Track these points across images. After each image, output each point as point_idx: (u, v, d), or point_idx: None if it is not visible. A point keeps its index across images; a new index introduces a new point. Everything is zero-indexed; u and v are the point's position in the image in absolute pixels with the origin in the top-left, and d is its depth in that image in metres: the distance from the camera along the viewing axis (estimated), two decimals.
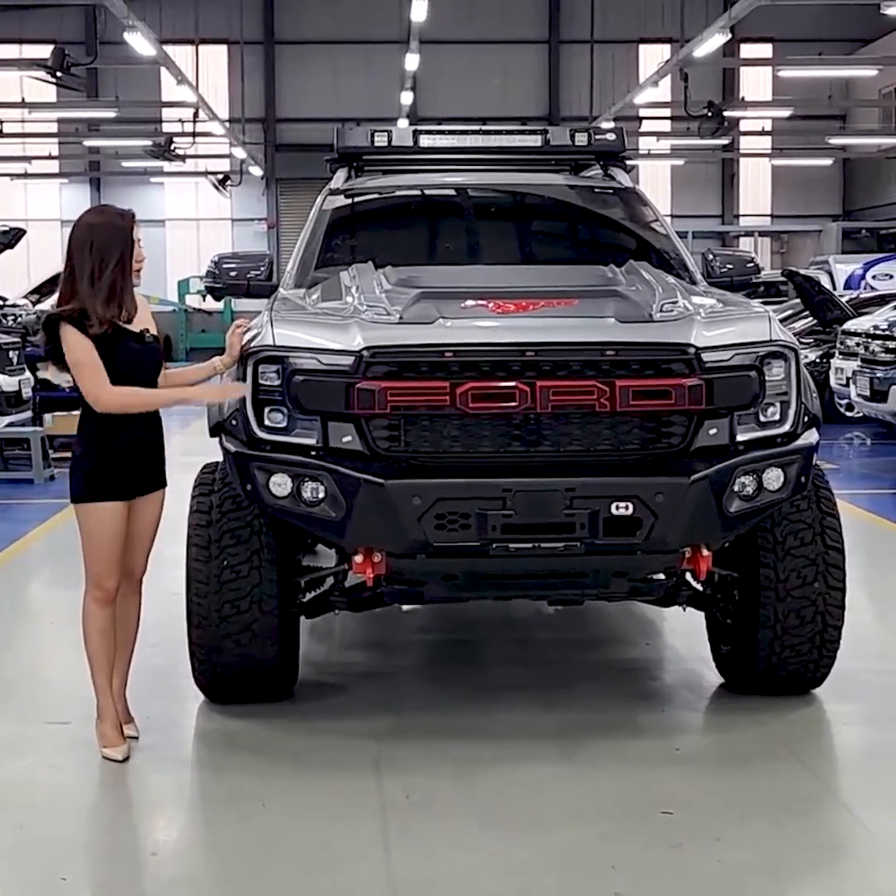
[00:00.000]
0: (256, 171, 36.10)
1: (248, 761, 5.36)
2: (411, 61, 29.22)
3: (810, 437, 5.50)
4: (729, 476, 5.23)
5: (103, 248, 5.13)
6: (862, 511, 10.80)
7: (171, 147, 29.75)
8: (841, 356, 15.50)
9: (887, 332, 13.88)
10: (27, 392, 14.06)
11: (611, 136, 7.72)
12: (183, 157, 30.59)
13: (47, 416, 14.74)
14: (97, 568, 5.27)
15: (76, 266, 5.14)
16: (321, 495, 5.18)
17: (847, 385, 14.81)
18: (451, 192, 7.77)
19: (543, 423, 5.18)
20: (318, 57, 38.05)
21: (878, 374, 13.65)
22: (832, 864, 4.55)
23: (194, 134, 29.62)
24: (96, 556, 5.26)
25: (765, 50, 36.93)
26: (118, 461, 5.23)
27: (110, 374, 5.14)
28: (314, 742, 5.55)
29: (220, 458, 5.66)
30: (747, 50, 36.71)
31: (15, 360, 13.93)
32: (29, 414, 14.14)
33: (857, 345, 14.58)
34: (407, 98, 33.93)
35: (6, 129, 30.50)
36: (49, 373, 15.23)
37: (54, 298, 16.65)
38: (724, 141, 32.54)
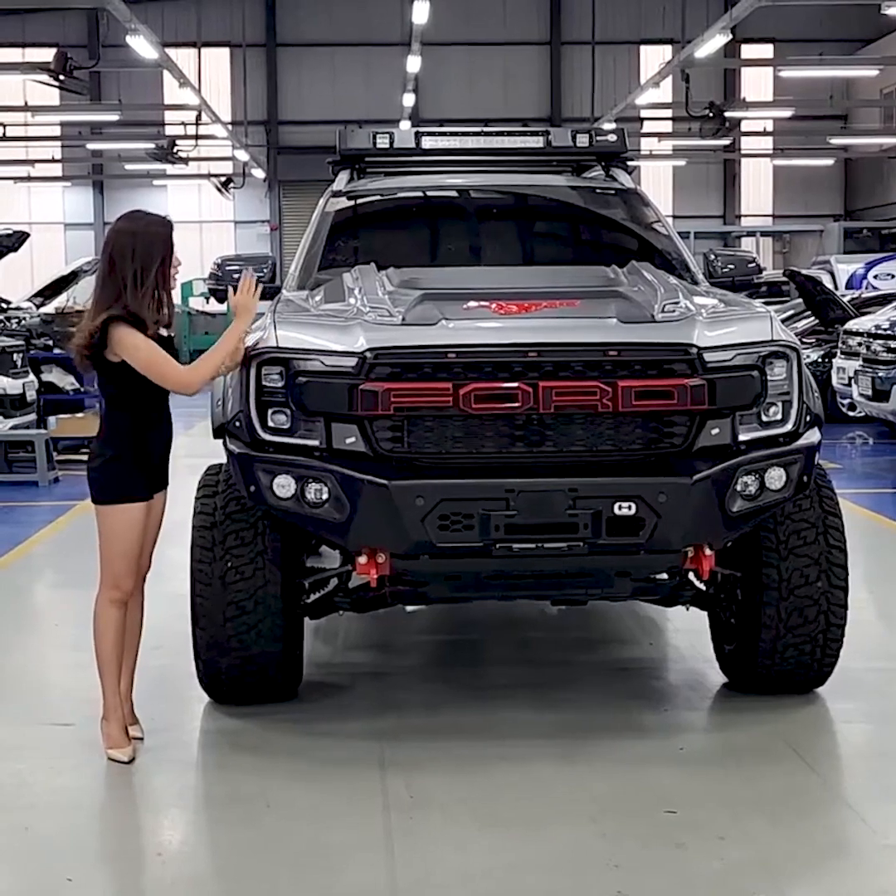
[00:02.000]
0: (259, 173, 36.14)
1: (251, 762, 5.38)
2: (413, 63, 29.26)
3: (812, 436, 5.51)
4: (731, 476, 5.24)
5: (146, 253, 5.20)
6: (864, 510, 10.80)
7: (174, 150, 29.78)
8: (843, 356, 15.49)
9: (889, 332, 13.89)
10: (31, 395, 14.08)
11: (612, 137, 7.73)
12: (185, 160, 30.63)
13: (51, 419, 14.76)
14: (118, 568, 5.30)
15: (119, 272, 5.19)
16: (325, 496, 5.20)
17: (849, 385, 14.82)
18: (454, 193, 7.79)
19: (546, 424, 5.20)
20: (320, 59, 38.10)
21: (880, 374, 13.65)
22: (835, 863, 4.56)
23: (197, 136, 29.66)
24: (120, 557, 5.29)
25: (766, 50, 36.97)
26: (148, 461, 5.31)
27: (143, 377, 5.21)
28: (318, 742, 5.56)
29: (224, 460, 5.68)
30: (748, 50, 36.74)
31: (19, 362, 13.95)
32: (33, 416, 14.16)
33: (859, 344, 14.59)
34: (409, 100, 33.98)
35: (9, 132, 30.59)
36: (53, 375, 15.26)
37: (58, 301, 16.56)
38: (726, 141, 32.58)
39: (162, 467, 5.44)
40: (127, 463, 5.27)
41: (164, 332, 5.34)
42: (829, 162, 37.22)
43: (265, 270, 6.92)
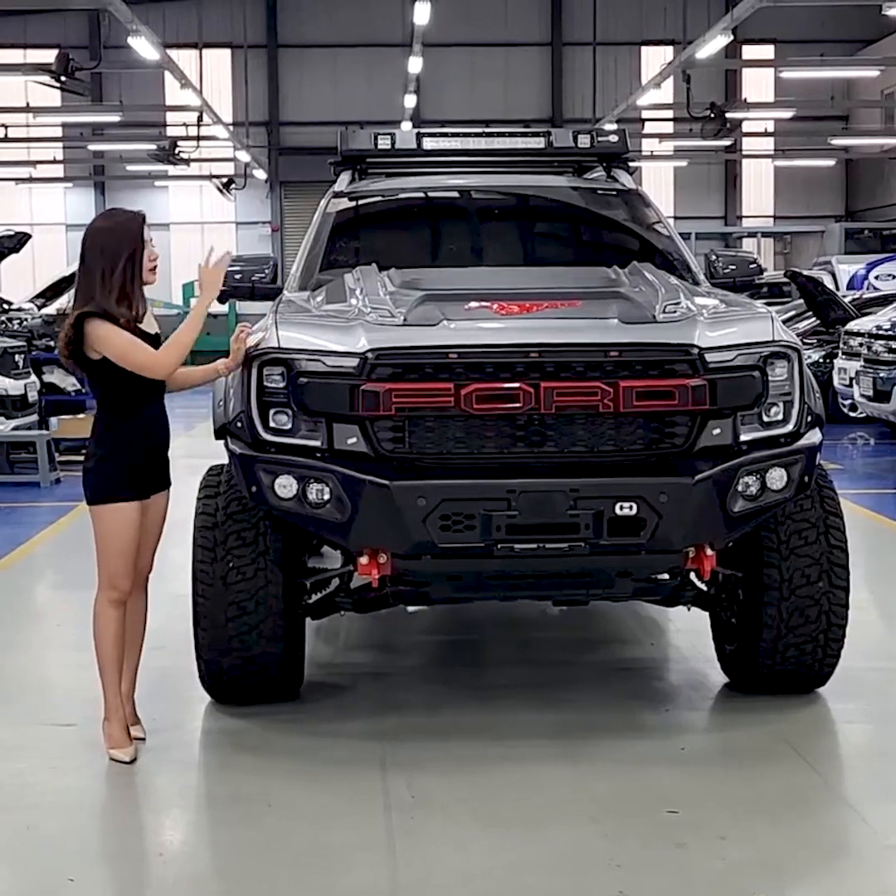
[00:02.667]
0: (260, 174, 36.13)
1: (253, 762, 5.39)
2: (414, 64, 29.25)
3: (813, 436, 5.52)
4: (732, 476, 5.25)
5: (114, 249, 5.23)
6: (866, 511, 10.81)
7: (176, 151, 29.78)
8: (844, 356, 15.51)
9: (890, 333, 13.89)
10: (33, 396, 14.10)
11: (613, 138, 7.73)
12: (187, 161, 30.63)
13: (53, 420, 14.78)
14: (114, 568, 5.31)
15: (91, 269, 5.25)
16: (326, 497, 5.20)
17: (850, 385, 14.83)
18: (455, 194, 7.79)
19: (547, 424, 5.20)
20: (322, 60, 38.08)
21: (882, 375, 13.66)
22: (836, 863, 4.56)
23: (198, 138, 29.65)
24: (115, 557, 5.30)
25: (767, 51, 36.92)
26: (140, 460, 5.30)
27: (127, 374, 5.22)
28: (319, 742, 5.57)
29: (226, 461, 5.68)
30: (749, 51, 36.68)
31: (21, 363, 13.97)
32: (35, 417, 14.18)
33: (861, 345, 14.60)
34: (410, 101, 33.96)
35: (11, 133, 30.57)
36: (55, 376, 15.27)
37: (59, 302, 16.63)
38: (727, 142, 32.54)
39: (158, 468, 5.43)
40: (117, 462, 5.27)
41: (150, 329, 5.34)
42: (831, 163, 37.20)
43: (267, 271, 6.92)
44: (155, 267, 5.36)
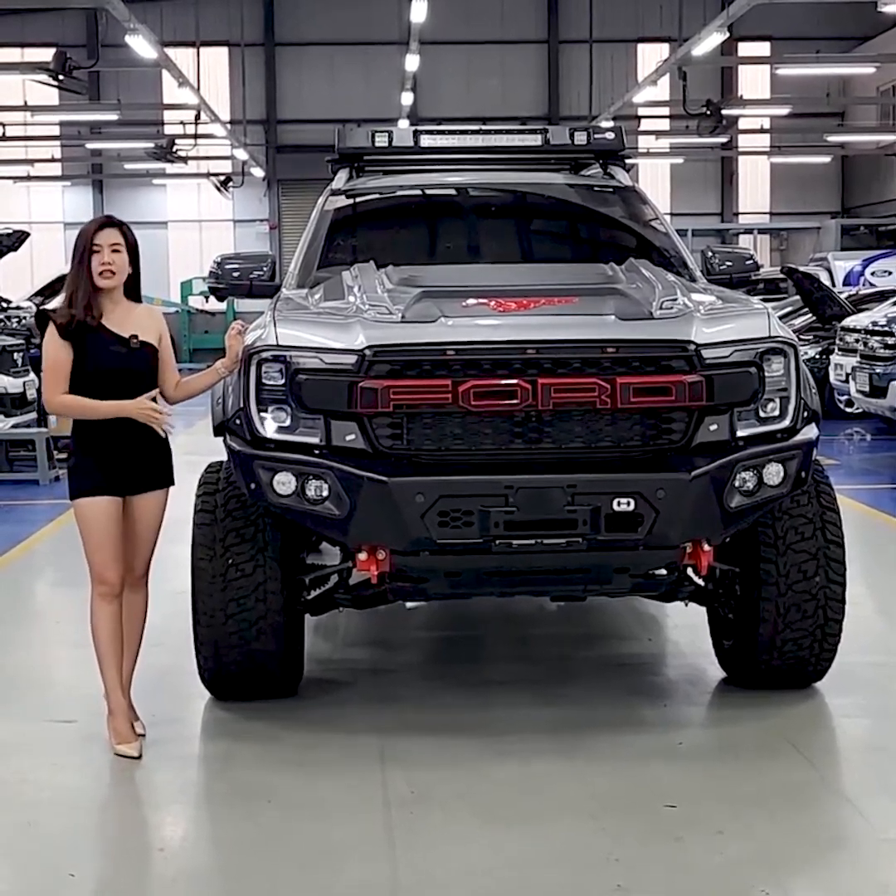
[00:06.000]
0: (258, 172, 36.14)
1: (253, 758, 5.40)
2: (411, 62, 29.23)
3: (810, 432, 5.54)
4: (729, 472, 5.26)
5: (73, 251, 5.38)
6: (862, 506, 10.83)
7: (173, 149, 29.80)
8: (840, 352, 15.53)
9: (886, 329, 13.90)
10: (32, 394, 14.10)
11: (610, 135, 7.75)
12: (185, 159, 30.65)
13: (52, 418, 14.77)
14: (96, 562, 5.36)
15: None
16: (325, 493, 5.22)
17: (846, 381, 14.84)
18: (452, 191, 7.80)
19: (545, 421, 5.21)
20: (319, 58, 38.11)
21: (878, 370, 13.67)
22: (834, 857, 4.58)
23: (196, 136, 29.68)
24: (93, 550, 5.35)
25: (763, 48, 36.98)
26: (106, 457, 5.31)
27: (87, 368, 5.28)
28: (319, 738, 5.58)
29: (225, 458, 5.70)
30: (745, 48, 36.74)
31: (19, 361, 13.98)
32: (34, 415, 14.19)
33: (857, 341, 14.62)
34: (407, 99, 33.95)
35: (9, 132, 30.60)
36: None
37: (58, 300, 16.76)
38: (723, 139, 32.57)
39: (146, 467, 5.41)
40: (85, 458, 5.34)
41: (124, 333, 5.33)
42: (826, 159, 37.24)
43: (265, 269, 6.94)
44: (104, 271, 5.30)
